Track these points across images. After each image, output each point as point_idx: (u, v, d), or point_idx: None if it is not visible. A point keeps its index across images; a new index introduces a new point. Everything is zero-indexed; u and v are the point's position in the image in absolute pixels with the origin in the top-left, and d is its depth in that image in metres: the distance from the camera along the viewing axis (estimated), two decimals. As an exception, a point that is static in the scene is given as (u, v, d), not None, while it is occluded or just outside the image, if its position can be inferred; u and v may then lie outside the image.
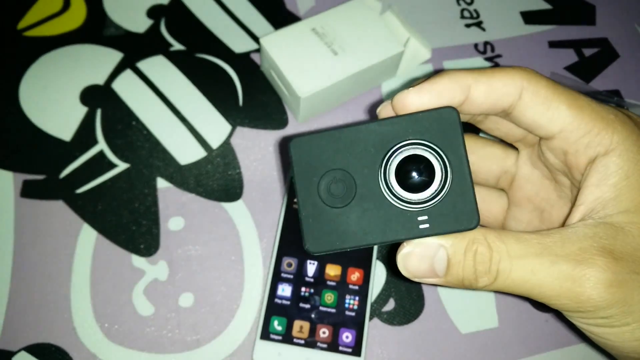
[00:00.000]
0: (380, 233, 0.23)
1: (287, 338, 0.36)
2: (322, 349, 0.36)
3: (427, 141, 0.23)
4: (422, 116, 0.23)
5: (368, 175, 0.23)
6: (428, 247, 0.23)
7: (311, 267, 0.38)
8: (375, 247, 0.39)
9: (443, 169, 0.23)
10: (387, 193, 0.23)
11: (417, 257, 0.23)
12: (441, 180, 0.23)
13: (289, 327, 0.37)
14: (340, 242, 0.24)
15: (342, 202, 0.24)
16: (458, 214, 0.23)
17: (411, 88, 0.24)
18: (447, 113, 0.23)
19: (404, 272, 0.24)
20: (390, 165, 0.23)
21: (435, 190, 0.23)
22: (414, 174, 0.23)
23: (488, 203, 0.32)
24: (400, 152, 0.23)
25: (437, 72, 0.26)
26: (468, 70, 0.25)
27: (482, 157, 0.31)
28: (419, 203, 0.23)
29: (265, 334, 0.37)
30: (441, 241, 0.23)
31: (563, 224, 0.25)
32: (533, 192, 0.30)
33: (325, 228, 0.24)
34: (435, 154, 0.23)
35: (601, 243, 0.22)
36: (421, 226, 0.23)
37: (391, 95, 0.47)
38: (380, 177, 0.23)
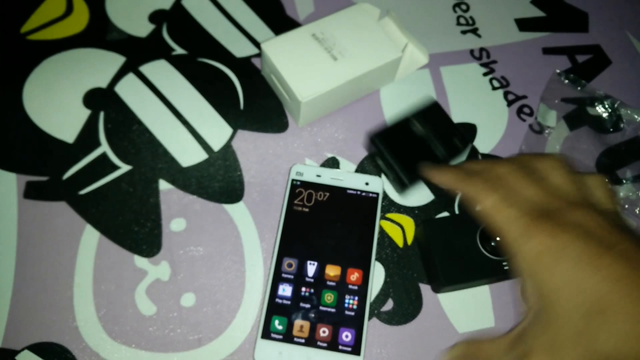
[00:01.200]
0: (485, 272, 0.39)
1: (287, 337, 0.37)
2: (322, 347, 0.37)
3: None
4: None
5: (473, 239, 0.39)
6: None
7: (311, 268, 0.39)
8: (375, 247, 0.40)
9: None
10: (483, 250, 0.39)
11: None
12: None
13: (289, 327, 0.37)
14: (461, 278, 0.39)
15: (460, 255, 0.39)
16: None
17: None
18: None
19: None
20: (484, 233, 0.39)
21: None
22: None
23: None
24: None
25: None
26: None
27: None
28: (500, 255, 0.39)
29: (266, 333, 0.37)
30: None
31: None
32: None
33: (452, 270, 0.39)
34: None
35: None
36: (505, 268, 0.38)
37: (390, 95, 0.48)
38: (478, 241, 0.39)
